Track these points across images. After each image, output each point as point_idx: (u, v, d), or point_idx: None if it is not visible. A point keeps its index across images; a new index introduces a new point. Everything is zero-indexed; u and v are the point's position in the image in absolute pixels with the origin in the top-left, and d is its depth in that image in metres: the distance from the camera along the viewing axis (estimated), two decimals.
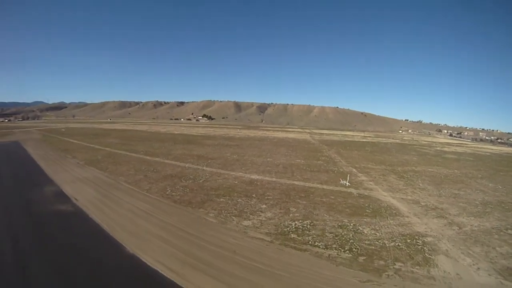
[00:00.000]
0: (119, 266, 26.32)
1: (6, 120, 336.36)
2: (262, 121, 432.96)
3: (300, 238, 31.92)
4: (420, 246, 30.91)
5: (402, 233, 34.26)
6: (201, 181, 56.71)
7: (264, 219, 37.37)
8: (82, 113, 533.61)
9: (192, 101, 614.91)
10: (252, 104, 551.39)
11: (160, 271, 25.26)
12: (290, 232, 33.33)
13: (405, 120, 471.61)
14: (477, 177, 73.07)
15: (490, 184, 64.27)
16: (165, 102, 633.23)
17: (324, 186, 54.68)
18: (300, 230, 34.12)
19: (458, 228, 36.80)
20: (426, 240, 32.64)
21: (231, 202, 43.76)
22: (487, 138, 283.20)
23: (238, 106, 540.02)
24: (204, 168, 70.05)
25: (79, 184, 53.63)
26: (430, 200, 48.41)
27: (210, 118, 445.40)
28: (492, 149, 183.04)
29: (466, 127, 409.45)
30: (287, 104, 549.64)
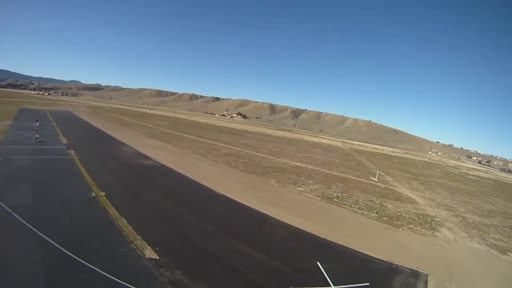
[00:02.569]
0: (213, 199, 37.15)
1: (46, 94, 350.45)
2: (295, 125, 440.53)
3: (340, 202, 42.71)
4: (429, 221, 40.54)
5: (416, 212, 44.13)
6: (256, 161, 68.33)
7: (313, 188, 48.46)
8: (118, 96, 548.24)
9: (228, 98, 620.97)
10: (286, 108, 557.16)
11: (246, 204, 36.57)
12: (333, 198, 44.22)
13: (436, 142, 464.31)
14: (492, 195, 79.85)
15: (501, 201, 70.98)
16: (201, 96, 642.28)
17: (357, 178, 65.00)
18: (340, 198, 44.91)
19: (462, 218, 45.95)
20: (434, 219, 42.25)
21: (285, 176, 54.99)
22: None
23: (272, 108, 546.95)
24: (255, 153, 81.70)
25: (152, 149, 65.49)
26: (443, 200, 57.45)
27: (244, 116, 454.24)
28: None
29: (497, 156, 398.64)
30: (321, 112, 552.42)
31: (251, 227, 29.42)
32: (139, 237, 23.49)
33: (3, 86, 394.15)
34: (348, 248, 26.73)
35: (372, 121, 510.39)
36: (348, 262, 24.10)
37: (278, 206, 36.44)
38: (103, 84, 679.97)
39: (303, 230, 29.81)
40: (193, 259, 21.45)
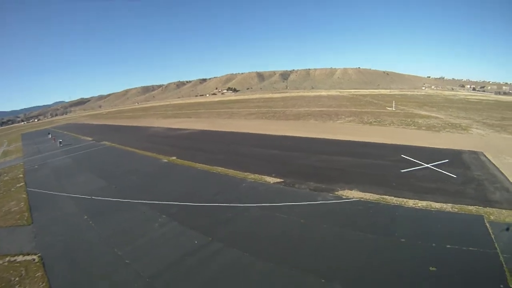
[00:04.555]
0: (277, 138, 41.94)
1: (36, 120, 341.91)
2: (286, 87, 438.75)
3: (379, 124, 47.47)
4: (458, 126, 45.24)
5: (444, 122, 48.79)
6: (281, 113, 72.65)
7: (349, 120, 53.21)
8: (106, 103, 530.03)
9: (214, 77, 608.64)
10: (274, 73, 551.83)
11: (307, 136, 41.05)
12: (372, 123, 48.99)
13: (427, 77, 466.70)
14: (497, 109, 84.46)
15: (509, 112, 75.94)
16: (187, 81, 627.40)
17: (378, 110, 69.51)
18: (377, 122, 49.67)
19: (483, 123, 50.53)
20: (461, 125, 46.89)
21: (318, 117, 59.52)
22: (510, 91, 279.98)
23: (261, 76, 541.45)
24: (274, 109, 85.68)
25: (179, 123, 69.53)
26: (460, 114, 62.27)
27: (234, 90, 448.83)
28: None
29: (490, 81, 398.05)
30: (309, 69, 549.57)
31: (326, 147, 34.63)
32: (249, 173, 26.85)
33: None
34: (414, 146, 31.95)
35: (361, 67, 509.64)
36: (422, 152, 29.14)
37: (334, 133, 41.41)
38: (87, 96, 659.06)
39: (369, 142, 35.03)
40: (308, 172, 25.56)
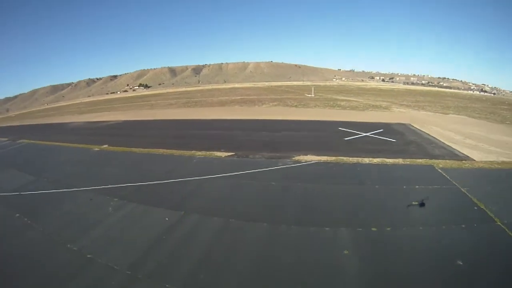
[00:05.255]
0: (211, 122, 40.60)
1: None
2: (199, 82, 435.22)
3: (305, 106, 50.35)
4: (379, 106, 50.65)
5: (365, 104, 54.00)
6: (203, 102, 72.17)
7: (273, 104, 55.29)
8: (14, 106, 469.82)
9: (126, 73, 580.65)
10: (186, 68, 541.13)
11: (240, 118, 40.77)
12: (298, 106, 51.63)
13: (338, 69, 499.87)
14: (410, 95, 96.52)
15: (421, 97, 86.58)
16: (97, 78, 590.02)
17: (299, 96, 73.48)
18: (302, 105, 52.50)
19: (401, 104, 57.30)
20: (382, 105, 52.51)
21: (242, 103, 60.39)
22: (418, 82, 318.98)
23: (173, 71, 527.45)
24: (195, 99, 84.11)
25: (101, 117, 63.31)
26: (377, 98, 69.18)
27: (146, 86, 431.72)
28: (422, 88, 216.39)
29: (398, 73, 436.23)
30: (222, 63, 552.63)
31: (263, 125, 35.73)
32: (195, 151, 26.02)
33: None
34: (346, 121, 34.78)
35: (273, 61, 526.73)
36: (356, 125, 31.98)
37: (265, 115, 42.76)
38: None
39: (302, 120, 37.31)
40: (256, 146, 26.07)
